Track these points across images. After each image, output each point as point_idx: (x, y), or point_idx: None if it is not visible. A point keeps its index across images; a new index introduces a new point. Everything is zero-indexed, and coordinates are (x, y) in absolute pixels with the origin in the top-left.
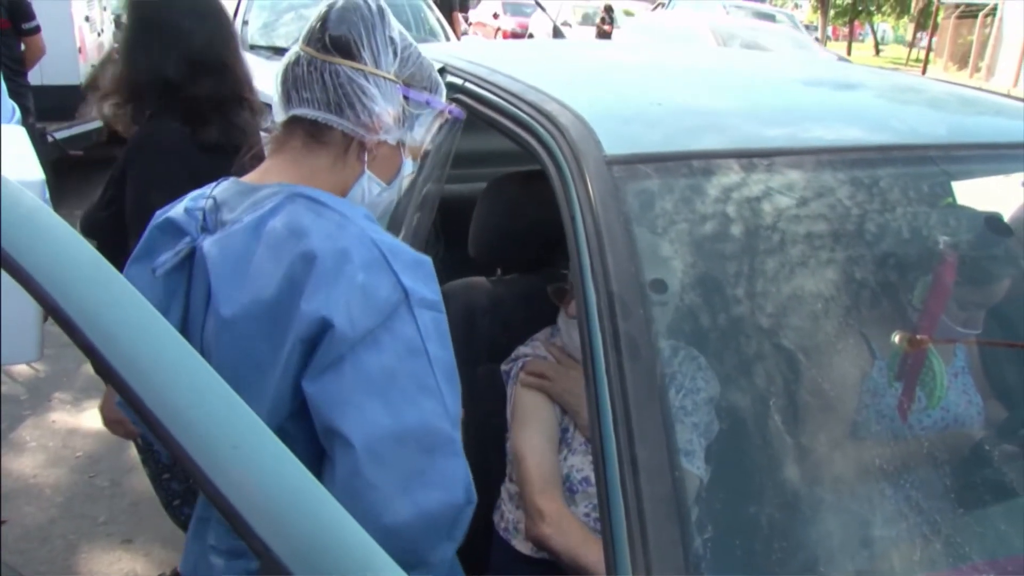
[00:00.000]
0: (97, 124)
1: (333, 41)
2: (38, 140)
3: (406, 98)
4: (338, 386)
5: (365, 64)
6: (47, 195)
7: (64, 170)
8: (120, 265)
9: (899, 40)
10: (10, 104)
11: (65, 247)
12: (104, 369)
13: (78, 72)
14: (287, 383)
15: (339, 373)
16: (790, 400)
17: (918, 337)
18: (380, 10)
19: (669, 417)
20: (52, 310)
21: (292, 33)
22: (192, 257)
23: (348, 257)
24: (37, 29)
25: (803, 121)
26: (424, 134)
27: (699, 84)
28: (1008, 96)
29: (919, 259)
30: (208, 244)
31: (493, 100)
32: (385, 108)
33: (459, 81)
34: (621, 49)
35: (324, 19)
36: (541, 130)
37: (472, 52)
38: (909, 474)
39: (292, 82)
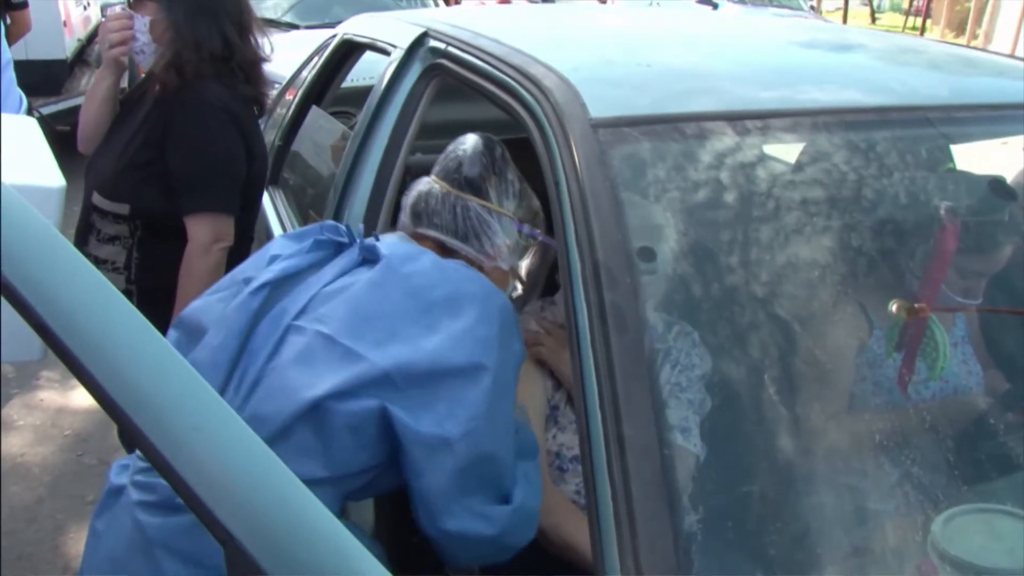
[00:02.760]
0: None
1: (468, 181)
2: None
3: (520, 232)
4: None
5: (491, 202)
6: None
7: (54, 146)
8: (165, 222)
9: (895, 8)
10: (18, 93)
11: (16, 220)
12: (58, 349)
13: (64, 46)
14: None
15: None
16: (786, 373)
17: (915, 306)
18: (503, 156)
19: (658, 393)
20: (16, 302)
21: (281, 4)
22: None
23: None
24: (25, 4)
25: (798, 83)
26: (530, 262)
27: (689, 45)
28: (1011, 56)
29: (919, 226)
30: None
31: (477, 64)
32: (504, 240)
33: (442, 46)
34: (609, 12)
35: (460, 161)
36: (525, 94)
37: (456, 17)
38: (908, 447)
39: (424, 208)
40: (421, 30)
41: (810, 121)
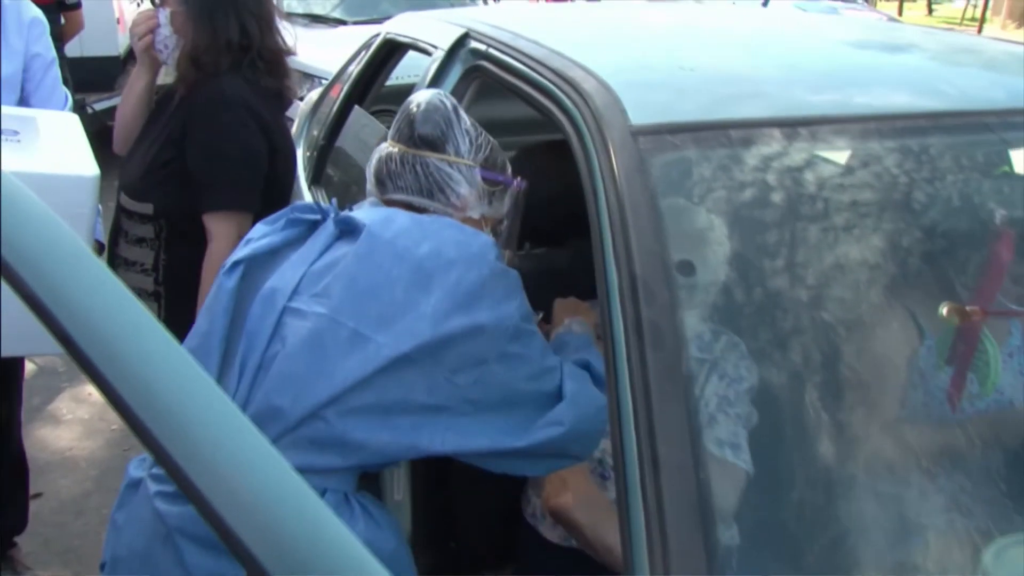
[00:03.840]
0: None
1: (422, 138)
2: (77, 112)
3: (483, 179)
4: None
5: (448, 154)
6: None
7: (104, 141)
8: (189, 222)
9: None
10: (63, 91)
11: (44, 230)
12: (82, 362)
13: (117, 43)
14: None
15: None
16: (833, 390)
17: (967, 308)
18: (455, 108)
19: (695, 412)
20: (27, 297)
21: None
22: None
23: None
24: (79, 5)
25: (849, 86)
26: (499, 206)
27: (734, 47)
28: None
29: (976, 234)
30: None
31: (516, 67)
32: (468, 189)
33: (482, 47)
34: (653, 9)
35: (412, 120)
36: (564, 98)
37: (498, 17)
38: (958, 467)
39: (387, 173)
40: (462, 31)
41: (862, 127)
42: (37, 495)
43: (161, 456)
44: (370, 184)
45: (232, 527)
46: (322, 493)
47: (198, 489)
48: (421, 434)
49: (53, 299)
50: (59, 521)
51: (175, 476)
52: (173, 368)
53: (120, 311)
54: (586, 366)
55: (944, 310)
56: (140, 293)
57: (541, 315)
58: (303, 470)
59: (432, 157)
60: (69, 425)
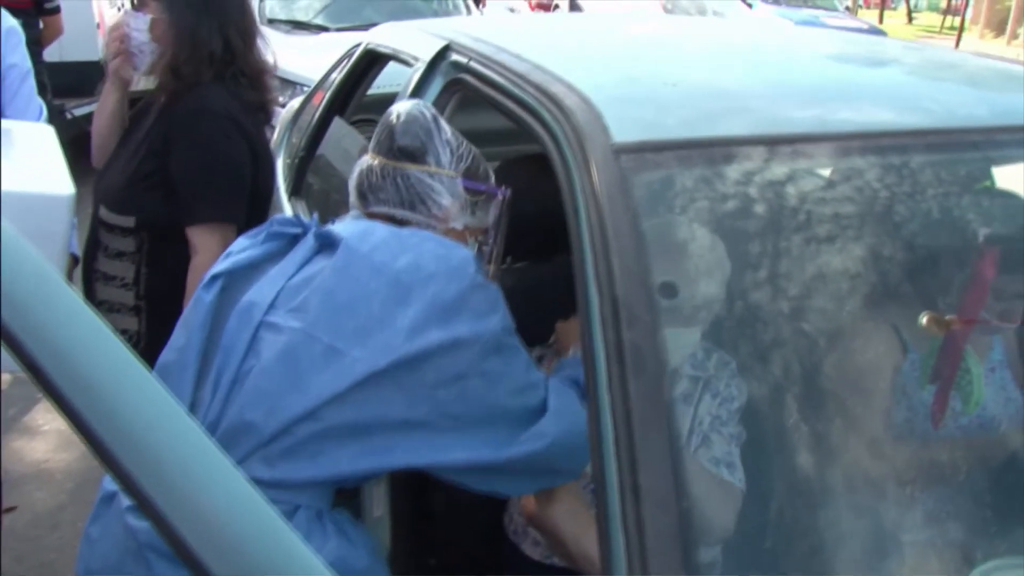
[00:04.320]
0: None
1: (402, 150)
2: (56, 117)
3: (466, 189)
4: None
5: (429, 165)
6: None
7: (83, 146)
8: (172, 233)
9: (933, 7)
10: (39, 102)
11: (10, 255)
12: (49, 391)
13: (97, 48)
14: None
15: None
16: (821, 410)
17: (946, 318)
18: (435, 118)
19: (677, 440)
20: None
21: (313, 6)
22: None
23: None
24: (58, 9)
25: (833, 102)
26: (483, 216)
27: (718, 61)
28: None
29: (962, 253)
30: None
31: (497, 81)
32: (450, 200)
33: (464, 60)
34: (637, 23)
35: (391, 131)
36: (545, 114)
37: (480, 28)
38: (942, 485)
39: (368, 187)
40: (444, 43)
41: (849, 145)
42: (11, 508)
43: (120, 474)
44: (352, 197)
45: (190, 544)
46: (295, 510)
47: (155, 504)
48: (395, 450)
49: (17, 321)
50: (33, 535)
51: (133, 493)
52: (136, 386)
53: (89, 334)
54: (576, 382)
55: (924, 319)
56: (120, 308)
57: (553, 340)
58: (276, 485)
59: (412, 169)
60: (45, 436)
